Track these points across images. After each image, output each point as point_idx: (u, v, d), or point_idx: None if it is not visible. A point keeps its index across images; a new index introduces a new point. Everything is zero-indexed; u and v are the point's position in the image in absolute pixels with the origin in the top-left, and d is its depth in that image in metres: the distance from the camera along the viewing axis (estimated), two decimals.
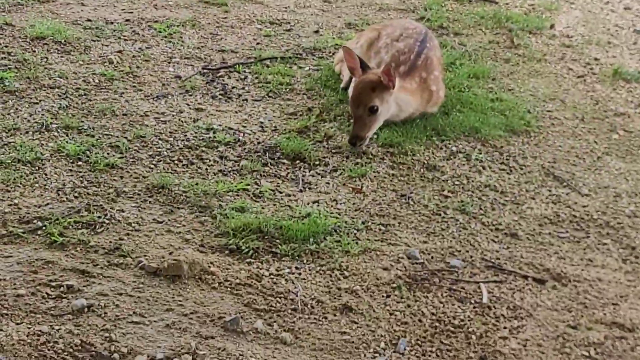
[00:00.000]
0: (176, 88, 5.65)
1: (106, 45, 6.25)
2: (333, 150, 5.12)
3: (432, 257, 4.42)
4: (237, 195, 4.81)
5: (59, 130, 5.25)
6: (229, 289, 4.24)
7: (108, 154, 5.13)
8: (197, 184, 4.92)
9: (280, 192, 4.86)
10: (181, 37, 6.43)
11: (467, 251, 4.43)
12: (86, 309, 4.08)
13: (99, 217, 4.67)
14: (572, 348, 3.99)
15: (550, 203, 4.79)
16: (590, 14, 6.55)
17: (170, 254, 4.41)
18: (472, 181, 4.89)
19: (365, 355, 3.93)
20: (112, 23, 6.63)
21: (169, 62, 5.94)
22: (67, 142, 5.12)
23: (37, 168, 5.02)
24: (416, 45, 5.42)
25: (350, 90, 5.48)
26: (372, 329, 4.07)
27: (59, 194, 4.83)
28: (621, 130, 5.40)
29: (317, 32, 6.41)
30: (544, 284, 4.33)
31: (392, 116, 5.74)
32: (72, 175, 4.93)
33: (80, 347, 3.84)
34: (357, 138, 5.31)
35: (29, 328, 3.88)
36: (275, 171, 5.05)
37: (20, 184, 4.93)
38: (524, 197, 4.83)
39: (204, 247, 4.48)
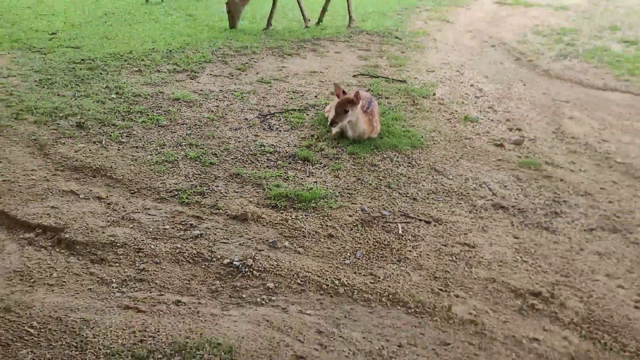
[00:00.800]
0: (245, 125, 5.84)
1: (210, 103, 6.34)
2: (324, 156, 5.24)
3: (374, 210, 4.64)
4: (275, 178, 5.03)
5: (186, 145, 5.34)
6: (271, 225, 4.43)
7: (210, 157, 5.33)
8: (255, 172, 5.14)
9: (297, 177, 5.08)
10: (248, 99, 6.54)
11: (391, 207, 4.65)
12: (199, 236, 4.29)
13: (206, 189, 4.89)
14: (443, 255, 4.16)
15: (432, 183, 4.94)
16: (453, 88, 6.66)
17: (242, 208, 4.65)
18: (394, 172, 5.05)
19: (340, 260, 4.09)
20: (212, 92, 6.68)
21: (242, 112, 6.09)
22: (190, 151, 5.26)
23: (174, 165, 5.20)
24: (367, 102, 5.60)
25: (334, 103, 5.66)
26: (343, 246, 4.24)
27: (186, 178, 5.04)
28: (469, 147, 5.51)
29: (316, 96, 6.55)
30: (429, 224, 4.56)
31: (354, 132, 5.72)
32: (192, 168, 5.14)
33: (196, 255, 4.06)
34: (334, 123, 5.49)
35: (170, 245, 4.10)
36: (295, 166, 5.26)
37: (166, 172, 5.10)
38: (420, 179, 5.00)
39: (259, 205, 4.69)
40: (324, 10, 9.16)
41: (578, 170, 5.20)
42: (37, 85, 6.68)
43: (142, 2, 10.37)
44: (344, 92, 5.61)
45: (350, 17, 9.01)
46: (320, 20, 9.18)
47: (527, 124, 6.06)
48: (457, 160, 5.31)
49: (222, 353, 3.11)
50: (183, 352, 3.11)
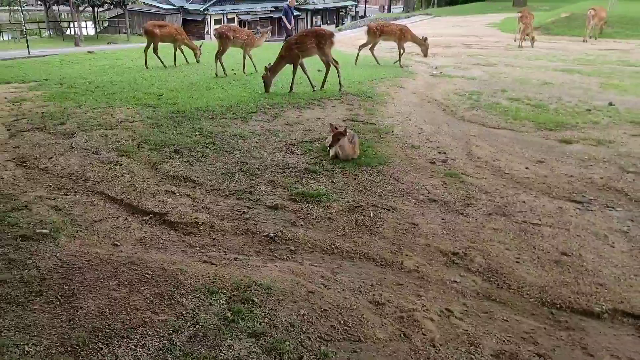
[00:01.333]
0: (277, 151, 5.82)
1: (255, 137, 6.33)
2: (325, 170, 5.20)
3: (355, 202, 4.62)
4: (295, 183, 4.86)
5: (240, 163, 5.30)
6: (292, 212, 4.38)
7: (255, 170, 5.32)
8: (282, 179, 5.07)
9: (308, 182, 5.01)
10: (278, 135, 6.52)
11: (366, 200, 4.61)
12: (248, 218, 4.40)
13: (252, 190, 4.80)
14: (398, 229, 4.20)
15: (391, 186, 4.86)
16: (404, 128, 6.63)
17: (274, 201, 4.60)
18: (367, 179, 4.99)
19: (334, 233, 4.19)
20: (256, 130, 6.71)
21: (274, 143, 6.07)
22: (242, 167, 5.24)
23: (233, 175, 5.18)
24: (352, 136, 5.55)
25: (330, 138, 5.67)
26: (336, 225, 4.32)
27: (240, 183, 5.02)
28: (414, 164, 5.56)
29: (320, 133, 6.56)
30: (389, 211, 4.44)
31: (343, 154, 5.51)
32: (244, 177, 5.16)
33: (247, 230, 4.24)
34: (331, 146, 5.54)
35: (231, 224, 4.29)
36: (307, 176, 5.16)
37: (228, 179, 5.11)
38: (384, 183, 4.96)
39: (285, 199, 4.57)
40: (324, 80, 9.27)
41: (481, 177, 5.23)
42: (150, 127, 6.79)
43: (213, 77, 10.49)
44: (337, 128, 5.56)
45: (340, 85, 9.08)
46: (322, 86, 9.25)
47: (450, 150, 6.09)
48: (407, 172, 5.34)
49: (263, 289, 3.17)
50: (239, 288, 3.17)
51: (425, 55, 12.87)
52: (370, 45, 12.48)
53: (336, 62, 9.09)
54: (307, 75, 9.08)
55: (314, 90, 8.95)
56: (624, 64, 12.31)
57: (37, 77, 10.74)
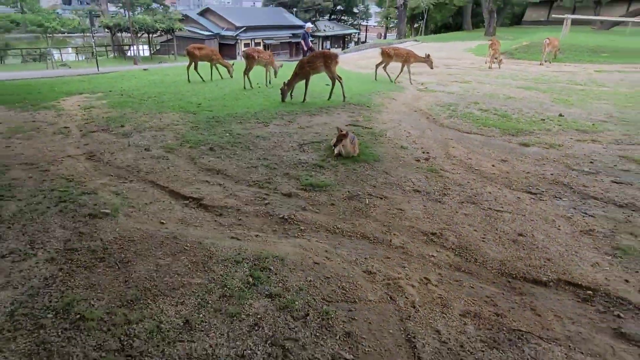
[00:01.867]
0: (291, 149, 5.81)
1: (274, 138, 6.32)
2: (330, 165, 5.21)
3: (355, 192, 4.62)
4: (305, 176, 4.87)
5: (262, 159, 5.31)
6: (303, 199, 4.31)
7: (274, 165, 5.30)
8: (296, 172, 5.03)
9: (316, 175, 4.98)
10: (293, 136, 6.47)
11: (362, 190, 4.59)
12: (268, 204, 4.37)
13: (271, 181, 4.75)
14: (388, 214, 4.11)
15: (383, 178, 4.87)
16: (395, 132, 6.58)
17: (289, 190, 4.60)
18: (364, 173, 4.96)
19: (337, 216, 4.11)
20: (275, 133, 6.68)
21: (290, 143, 6.05)
22: (264, 162, 5.27)
23: (256, 168, 5.19)
24: (352, 137, 5.52)
25: (335, 139, 5.68)
26: (338, 209, 4.22)
27: (261, 175, 5.01)
28: (402, 161, 5.64)
29: (327, 135, 6.53)
30: (381, 199, 4.39)
31: (346, 152, 5.45)
32: (265, 170, 5.16)
33: (266, 213, 4.18)
34: (335, 145, 5.50)
35: (254, 208, 4.20)
36: (315, 170, 5.12)
37: (252, 172, 5.14)
38: (377, 177, 4.88)
39: (297, 189, 4.56)
40: (331, 92, 9.27)
41: (456, 173, 5.16)
42: (191, 129, 6.79)
43: (241, 89, 10.49)
44: (341, 131, 5.53)
45: (343, 96, 9.07)
46: (329, 97, 9.24)
47: (432, 150, 6.03)
48: (396, 168, 5.29)
49: (278, 260, 3.17)
50: (259, 259, 3.18)
51: (432, 68, 12.82)
52: (384, 65, 12.45)
53: (340, 78, 9.10)
54: (307, 89, 9.13)
55: (303, 101, 8.96)
56: (572, 83, 12.26)
57: (103, 89, 10.86)
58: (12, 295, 2.69)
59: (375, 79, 12.47)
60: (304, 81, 9.11)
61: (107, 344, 2.28)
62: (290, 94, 9.35)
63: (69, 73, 16.67)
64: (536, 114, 8.31)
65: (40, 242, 3.35)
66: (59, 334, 2.36)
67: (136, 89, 10.99)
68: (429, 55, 12.62)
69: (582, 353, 2.37)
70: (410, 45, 25.95)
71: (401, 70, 12.47)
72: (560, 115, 8.17)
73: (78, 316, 2.49)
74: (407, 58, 12.19)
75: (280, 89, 9.10)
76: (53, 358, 2.19)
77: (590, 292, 2.92)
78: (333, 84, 9.28)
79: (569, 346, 2.43)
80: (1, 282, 2.83)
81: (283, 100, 9.08)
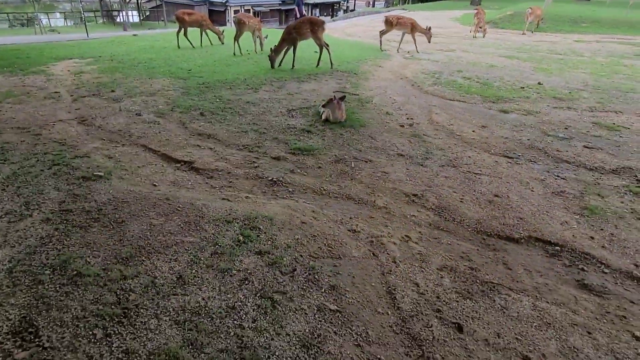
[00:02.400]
0: (280, 115, 5.73)
1: (264, 104, 6.19)
2: (318, 130, 5.09)
3: (341, 156, 4.55)
4: (294, 140, 4.81)
5: (251, 124, 5.24)
6: (292, 162, 4.26)
7: (263, 130, 5.20)
8: (284, 137, 4.97)
9: (305, 139, 4.94)
10: (282, 102, 6.36)
11: (349, 154, 4.55)
12: (257, 167, 4.31)
13: (261, 145, 4.70)
14: (372, 177, 4.07)
15: (369, 143, 4.77)
16: (381, 98, 6.47)
17: (278, 154, 4.55)
18: (350, 138, 4.88)
19: (324, 179, 4.08)
20: (265, 99, 6.57)
21: (279, 109, 5.94)
22: (253, 127, 5.16)
23: (246, 133, 5.09)
24: (340, 103, 5.50)
25: (321, 106, 5.63)
26: (325, 172, 4.19)
27: (251, 139, 4.94)
28: (387, 126, 5.61)
29: (315, 101, 6.43)
30: (367, 162, 4.37)
31: (333, 117, 5.36)
32: (254, 135, 5.08)
33: (256, 175, 4.12)
34: (324, 107, 5.44)
35: (243, 171, 4.09)
36: (304, 134, 5.05)
37: (242, 137, 5.04)
38: (363, 141, 4.81)
39: (286, 152, 4.52)
40: (319, 60, 9.09)
41: (438, 138, 5.14)
42: (181, 94, 6.61)
43: (231, 56, 10.16)
44: (335, 97, 5.44)
45: (331, 63, 8.88)
46: (317, 65, 9.02)
47: (416, 116, 5.97)
48: (381, 133, 5.25)
49: (267, 219, 3.17)
50: (249, 219, 3.17)
51: (429, 42, 12.49)
52: (385, 32, 12.03)
53: (327, 45, 8.86)
54: (295, 56, 8.92)
55: (292, 68, 8.75)
56: (552, 52, 12.12)
57: (93, 54, 10.44)
58: (9, 253, 2.66)
59: (381, 49, 12.09)
60: (292, 48, 8.88)
61: (104, 298, 2.29)
62: (280, 61, 9.11)
63: (57, 38, 15.91)
64: (517, 82, 8.23)
65: (35, 204, 3.29)
66: (57, 289, 2.36)
67: (126, 54, 10.58)
68: (429, 28, 12.27)
69: (548, 302, 2.46)
70: (398, 13, 25.22)
71: (401, 40, 12.17)
72: (539, 83, 8.12)
73: (75, 272, 2.48)
74: (412, 27, 11.83)
75: (269, 56, 8.86)
76: (52, 311, 2.19)
77: (558, 247, 2.99)
78: (321, 51, 9.06)
79: (536, 296, 2.51)
80: None
81: (272, 66, 8.85)
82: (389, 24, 11.89)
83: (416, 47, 12.04)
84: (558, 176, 4.15)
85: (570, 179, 4.10)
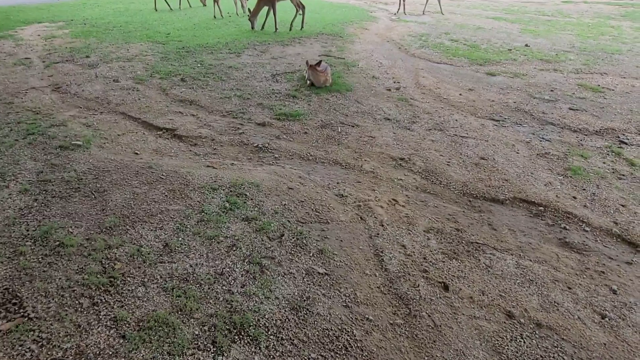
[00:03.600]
0: (264, 80, 5.61)
1: (247, 69, 6.03)
2: (303, 95, 4.99)
3: (326, 120, 4.49)
4: (279, 105, 4.78)
5: (235, 89, 5.07)
6: (277, 128, 4.18)
7: (247, 95, 5.08)
8: (269, 103, 4.88)
9: (290, 105, 4.85)
10: (266, 67, 6.19)
11: (335, 119, 4.46)
12: (242, 133, 4.22)
13: (245, 111, 4.60)
14: (359, 141, 4.03)
15: (355, 107, 4.70)
16: (367, 62, 6.36)
17: (263, 120, 4.47)
18: (336, 102, 4.81)
19: (310, 144, 4.00)
20: (248, 63, 6.38)
21: (263, 73, 5.79)
22: (237, 92, 5.02)
23: (230, 99, 4.98)
24: (325, 67, 5.34)
25: (307, 70, 5.51)
26: (312, 138, 4.08)
27: (235, 105, 4.83)
28: (374, 91, 5.47)
29: (300, 65, 6.24)
30: (353, 127, 4.34)
31: (317, 82, 5.25)
32: (238, 100, 4.95)
33: (241, 142, 4.02)
34: (306, 70, 5.38)
35: (228, 137, 4.07)
36: (289, 100, 4.96)
37: (226, 102, 4.93)
38: (349, 106, 4.73)
39: (271, 118, 4.47)
40: (303, 21, 8.91)
41: (425, 102, 5.09)
42: (160, 60, 6.36)
43: (212, 19, 9.74)
44: (312, 64, 5.31)
45: (302, 25, 8.81)
46: (302, 27, 8.75)
47: (402, 80, 5.89)
48: (368, 97, 5.17)
49: (253, 186, 3.13)
50: (235, 186, 3.13)
51: None
52: None
53: (303, 6, 8.72)
54: (275, 18, 8.69)
55: (275, 31, 8.54)
56: (540, 13, 11.99)
57: (64, 18, 9.90)
58: None
59: (405, 13, 11.82)
60: (272, 10, 8.63)
61: (88, 268, 2.25)
62: (263, 24, 8.80)
63: (25, 1, 14.96)
64: (504, 44, 8.15)
65: (11, 175, 3.18)
66: (40, 260, 2.30)
67: (100, 17, 10.06)
68: None
69: (531, 260, 2.52)
70: None
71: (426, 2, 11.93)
72: (526, 45, 8.06)
73: (57, 243, 2.42)
74: None
75: (249, 18, 8.67)
76: (35, 282, 2.15)
77: (541, 208, 3.04)
78: (303, 13, 8.78)
79: (520, 255, 2.56)
80: None
81: (252, 28, 8.66)
82: None
83: (441, 8, 11.86)
84: (543, 138, 4.17)
85: (555, 140, 4.13)
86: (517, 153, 3.87)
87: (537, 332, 2.02)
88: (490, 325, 2.04)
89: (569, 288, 2.31)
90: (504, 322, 2.07)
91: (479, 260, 2.50)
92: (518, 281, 2.34)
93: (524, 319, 2.09)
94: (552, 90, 5.55)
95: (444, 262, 2.47)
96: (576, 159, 3.75)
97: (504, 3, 14.00)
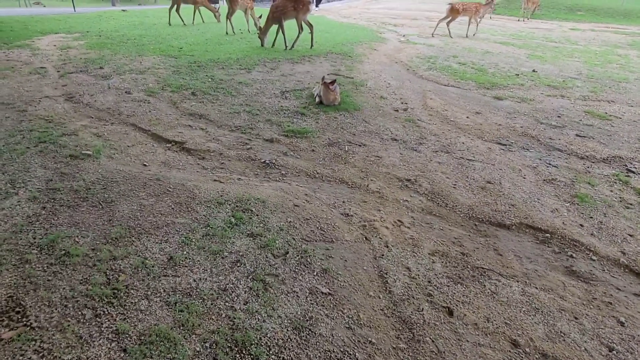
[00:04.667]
0: (274, 96, 5.65)
1: (257, 85, 6.18)
2: (312, 112, 5.07)
3: (334, 139, 4.52)
4: (287, 122, 4.83)
5: (244, 105, 5.14)
6: (285, 145, 4.18)
7: (256, 111, 5.16)
8: (278, 119, 4.96)
9: (298, 122, 4.91)
10: (275, 83, 6.28)
11: (342, 138, 4.51)
12: (250, 148, 4.25)
13: (254, 126, 4.68)
14: (366, 161, 4.05)
15: (363, 127, 4.79)
16: (375, 82, 6.42)
17: (271, 136, 4.51)
18: (344, 121, 4.87)
19: (317, 162, 4.03)
20: (258, 79, 6.48)
21: (272, 90, 5.86)
22: (246, 108, 5.10)
23: (238, 114, 5.05)
24: (335, 86, 5.40)
25: (317, 88, 5.57)
26: (318, 156, 4.11)
27: (244, 121, 4.88)
28: (382, 111, 5.53)
29: (309, 83, 6.35)
30: (360, 146, 4.39)
31: (327, 100, 5.30)
32: (247, 116, 4.99)
33: (248, 157, 4.07)
34: (319, 86, 5.43)
35: (236, 152, 4.05)
36: (297, 117, 5.01)
37: (234, 117, 4.97)
38: (357, 125, 4.81)
39: (279, 135, 4.50)
40: (312, 39, 9.09)
41: (432, 124, 5.11)
42: (172, 73, 6.46)
43: (224, 34, 9.93)
44: (325, 81, 5.36)
45: (311, 44, 8.99)
46: (311, 46, 8.89)
47: (410, 101, 5.93)
48: (375, 117, 5.21)
49: (259, 202, 3.14)
50: (241, 201, 3.14)
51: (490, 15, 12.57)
52: (449, 20, 11.90)
53: (310, 26, 8.84)
54: (284, 35, 8.93)
55: (285, 49, 8.70)
56: (547, 40, 12.11)
57: (80, 29, 10.13)
58: None
59: (433, 35, 12.03)
60: (280, 28, 8.84)
61: (93, 278, 2.25)
62: (273, 41, 8.96)
63: (43, 12, 15.36)
64: (511, 69, 8.22)
65: (21, 182, 3.21)
66: (45, 268, 2.31)
67: (115, 30, 10.29)
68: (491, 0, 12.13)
69: (537, 288, 2.49)
70: None
71: (476, 23, 12.10)
72: (534, 71, 8.12)
73: (63, 252, 2.43)
74: (476, 11, 11.71)
75: (258, 36, 8.89)
76: (39, 290, 2.15)
77: (548, 234, 3.02)
78: (311, 32, 8.96)
79: (525, 282, 2.54)
80: None
81: (262, 45, 8.84)
82: (455, 11, 11.64)
83: (476, 28, 12.02)
84: (550, 164, 4.17)
85: (562, 167, 4.12)
86: (524, 178, 3.87)
87: None
88: (495, 353, 2.01)
89: (576, 318, 2.28)
90: (509, 351, 2.03)
91: (484, 285, 2.47)
92: (524, 309, 2.31)
93: (529, 348, 2.06)
94: (559, 117, 5.57)
95: (448, 286, 2.44)
96: (583, 186, 3.74)
97: (511, 28, 14.18)
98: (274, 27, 9.02)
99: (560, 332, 2.18)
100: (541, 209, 3.35)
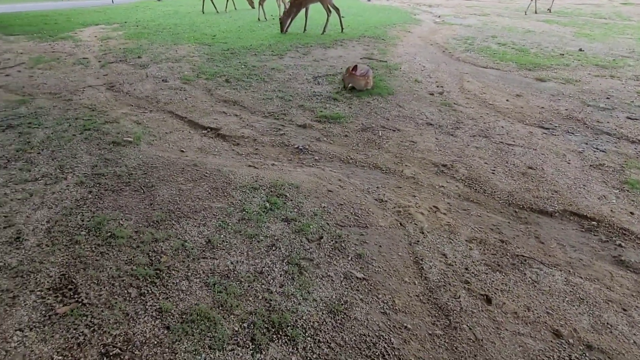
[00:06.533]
0: (306, 82, 5.65)
1: (289, 70, 6.19)
2: (344, 97, 5.08)
3: (368, 124, 4.52)
4: (320, 108, 4.83)
5: (277, 91, 5.22)
6: (318, 130, 4.18)
7: (289, 97, 5.17)
8: (310, 105, 4.96)
9: (331, 107, 4.91)
10: (308, 69, 6.28)
11: (376, 122, 4.49)
12: (283, 134, 4.26)
13: (286, 112, 4.72)
14: (400, 146, 4.01)
15: (397, 111, 4.73)
16: (410, 65, 6.28)
17: (304, 121, 4.52)
18: (378, 106, 4.84)
19: (350, 147, 3.98)
20: (290, 65, 6.50)
21: (305, 75, 5.87)
22: (279, 94, 5.14)
23: (272, 100, 5.09)
24: (366, 70, 5.34)
25: (345, 74, 5.52)
26: (352, 141, 4.08)
27: (277, 107, 4.93)
28: (416, 94, 5.42)
29: (341, 68, 6.30)
30: (394, 131, 4.36)
31: (358, 85, 5.24)
32: (280, 102, 5.03)
33: (282, 143, 4.04)
34: (345, 81, 5.35)
35: (269, 138, 4.02)
36: (330, 102, 5.03)
37: (268, 104, 5.02)
38: (391, 109, 4.75)
39: (312, 120, 4.50)
40: (341, 24, 9.05)
41: (469, 107, 4.95)
42: (206, 61, 6.57)
43: (256, 21, 9.96)
44: (353, 69, 5.29)
45: (323, 30, 8.78)
46: (342, 30, 8.79)
47: (446, 84, 5.76)
48: (410, 101, 5.10)
49: (293, 187, 3.16)
50: (275, 186, 3.17)
51: None
52: None
53: (337, 9, 8.74)
54: (307, 20, 8.98)
55: (304, 31, 8.67)
56: (596, 16, 11.33)
57: (118, 20, 10.45)
58: (47, 214, 2.77)
59: (549, 10, 11.81)
60: (305, 11, 8.86)
61: (137, 259, 2.36)
62: (305, 27, 8.91)
63: (83, 4, 15.96)
64: (555, 48, 7.78)
65: (69, 167, 3.39)
66: (93, 249, 2.44)
67: (151, 20, 10.55)
68: None
69: (581, 277, 2.38)
70: None
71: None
72: (580, 50, 7.66)
73: (109, 234, 2.56)
74: None
75: (280, 20, 8.82)
76: (89, 269, 2.28)
77: (594, 222, 2.87)
78: (339, 15, 8.83)
79: (569, 271, 2.43)
80: (37, 202, 2.90)
81: (282, 30, 8.80)
82: None
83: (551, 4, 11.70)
84: (597, 148, 3.95)
85: (610, 151, 3.89)
86: (568, 163, 3.68)
87: (587, 354, 1.91)
88: (536, 343, 1.95)
89: (624, 310, 2.17)
90: (551, 341, 1.97)
91: (525, 274, 2.39)
92: (567, 299, 2.23)
93: (572, 339, 1.98)
94: (608, 98, 5.24)
95: (486, 274, 2.38)
96: (634, 172, 3.52)
97: (556, 5, 13.37)
98: (302, 12, 8.97)
99: (607, 323, 2.08)
100: (587, 195, 3.18)
